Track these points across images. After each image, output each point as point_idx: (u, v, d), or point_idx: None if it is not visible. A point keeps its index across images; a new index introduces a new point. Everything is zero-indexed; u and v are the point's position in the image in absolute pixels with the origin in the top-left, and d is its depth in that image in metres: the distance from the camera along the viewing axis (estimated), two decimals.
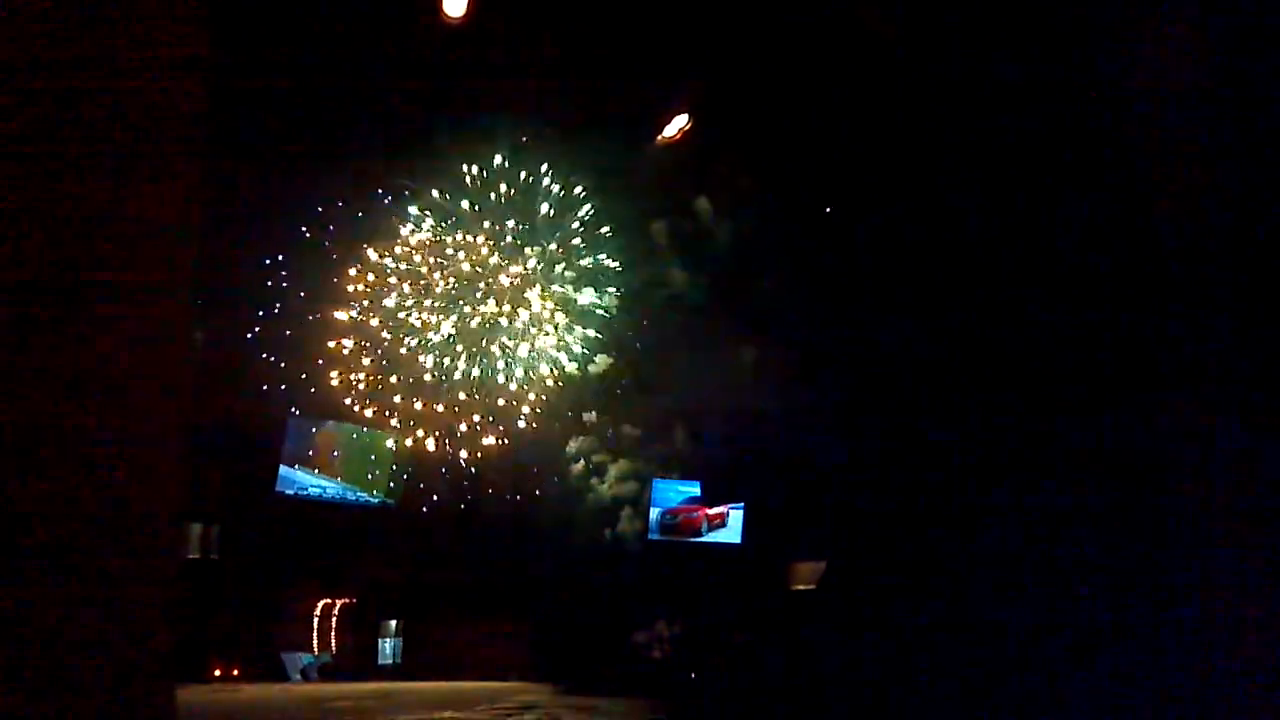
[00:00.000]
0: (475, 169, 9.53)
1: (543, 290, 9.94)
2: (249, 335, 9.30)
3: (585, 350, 10.20)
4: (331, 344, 9.57)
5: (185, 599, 8.67)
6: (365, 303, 9.68)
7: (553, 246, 9.82)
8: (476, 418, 9.99)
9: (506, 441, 10.03)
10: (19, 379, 2.04)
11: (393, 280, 9.75)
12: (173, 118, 2.31)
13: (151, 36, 2.29)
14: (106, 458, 2.14)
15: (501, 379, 10.02)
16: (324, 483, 9.60)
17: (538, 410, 10.16)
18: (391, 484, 9.94)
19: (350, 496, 9.75)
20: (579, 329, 10.11)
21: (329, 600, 9.65)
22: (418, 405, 9.93)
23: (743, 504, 9.93)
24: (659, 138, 7.93)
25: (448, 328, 9.88)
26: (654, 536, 10.12)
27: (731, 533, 9.95)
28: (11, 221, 2.12)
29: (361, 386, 9.75)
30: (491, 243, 9.81)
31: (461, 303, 9.85)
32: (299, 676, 9.11)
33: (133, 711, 2.15)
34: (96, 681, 2.10)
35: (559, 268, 9.93)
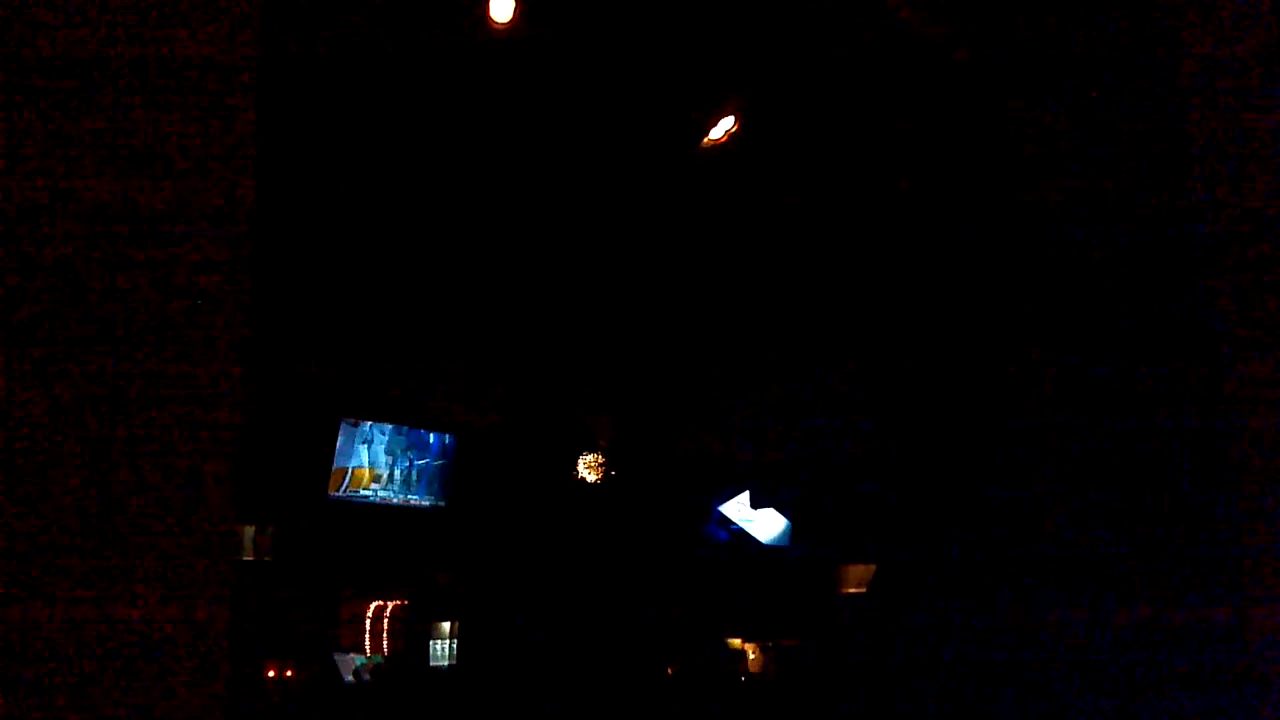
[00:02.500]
0: None
1: None
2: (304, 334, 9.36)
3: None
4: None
5: (240, 601, 8.80)
6: None
7: None
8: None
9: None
10: (59, 380, 2.06)
11: None
12: (220, 112, 2.31)
13: (198, 31, 2.30)
14: (151, 460, 2.16)
15: None
16: (376, 486, 9.69)
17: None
18: (445, 485, 10.02)
19: (401, 498, 9.82)
20: None
21: (381, 602, 9.72)
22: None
23: (790, 508, 9.89)
24: (704, 141, 7.86)
25: None
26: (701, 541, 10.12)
27: (781, 537, 9.91)
28: (47, 215, 2.13)
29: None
30: None
31: None
32: (352, 678, 9.19)
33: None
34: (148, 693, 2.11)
35: None
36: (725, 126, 8.07)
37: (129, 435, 2.11)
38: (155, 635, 2.10)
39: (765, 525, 10.18)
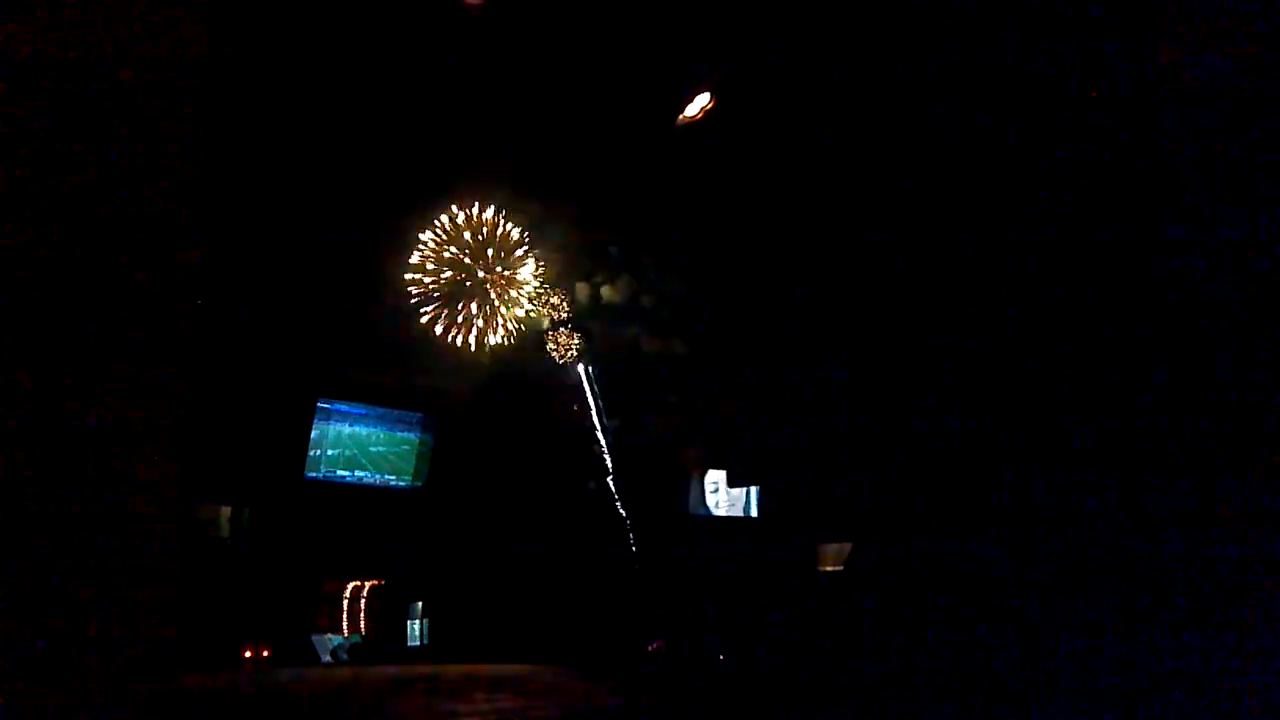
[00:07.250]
0: None
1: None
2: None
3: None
4: None
5: (216, 582, 8.79)
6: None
7: None
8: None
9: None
10: (17, 374, 2.03)
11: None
12: (174, 112, 2.29)
13: (151, 33, 2.26)
14: (103, 452, 2.14)
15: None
16: (352, 466, 9.67)
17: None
18: (420, 466, 9.99)
19: (378, 479, 9.81)
20: None
21: (358, 582, 9.71)
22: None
23: (767, 487, 9.92)
24: (679, 119, 7.80)
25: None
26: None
27: (758, 514, 9.97)
28: (10, 217, 2.11)
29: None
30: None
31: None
32: (329, 658, 9.19)
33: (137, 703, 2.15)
34: (102, 674, 2.10)
35: None
36: (701, 104, 8.00)
37: (74, 425, 2.09)
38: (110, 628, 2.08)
39: (742, 503, 10.20)
